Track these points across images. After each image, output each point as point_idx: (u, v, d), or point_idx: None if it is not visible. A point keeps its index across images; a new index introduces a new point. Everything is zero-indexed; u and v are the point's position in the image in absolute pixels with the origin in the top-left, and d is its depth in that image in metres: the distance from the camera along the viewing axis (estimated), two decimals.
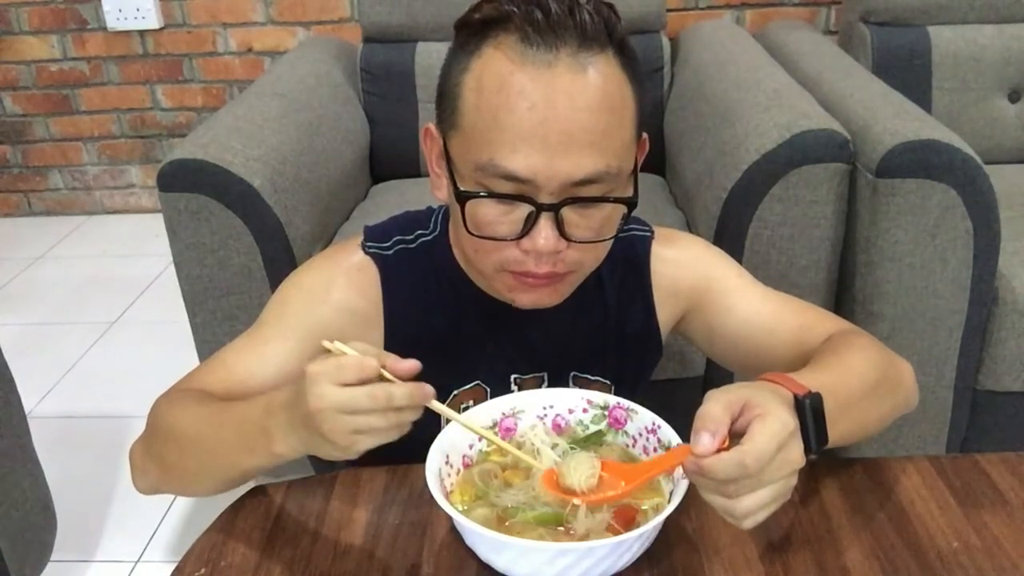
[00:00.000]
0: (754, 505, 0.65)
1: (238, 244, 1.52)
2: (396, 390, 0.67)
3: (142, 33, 2.85)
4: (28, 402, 1.44)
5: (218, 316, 1.58)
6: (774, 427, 0.64)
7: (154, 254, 2.79)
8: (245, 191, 1.50)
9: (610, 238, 0.83)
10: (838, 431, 0.72)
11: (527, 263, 0.80)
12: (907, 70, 2.04)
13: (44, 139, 3.08)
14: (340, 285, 0.91)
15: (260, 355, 0.89)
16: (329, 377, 0.67)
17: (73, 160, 3.11)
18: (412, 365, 0.69)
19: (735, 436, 0.65)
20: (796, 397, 0.69)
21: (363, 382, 0.67)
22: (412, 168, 2.11)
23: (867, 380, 0.82)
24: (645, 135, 0.85)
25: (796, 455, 0.66)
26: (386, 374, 0.68)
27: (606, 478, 0.74)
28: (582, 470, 0.74)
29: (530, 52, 0.75)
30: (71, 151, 3.09)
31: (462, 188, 0.79)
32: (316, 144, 1.79)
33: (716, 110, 1.71)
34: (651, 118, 2.00)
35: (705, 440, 0.64)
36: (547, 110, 0.74)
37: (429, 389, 0.69)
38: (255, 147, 1.57)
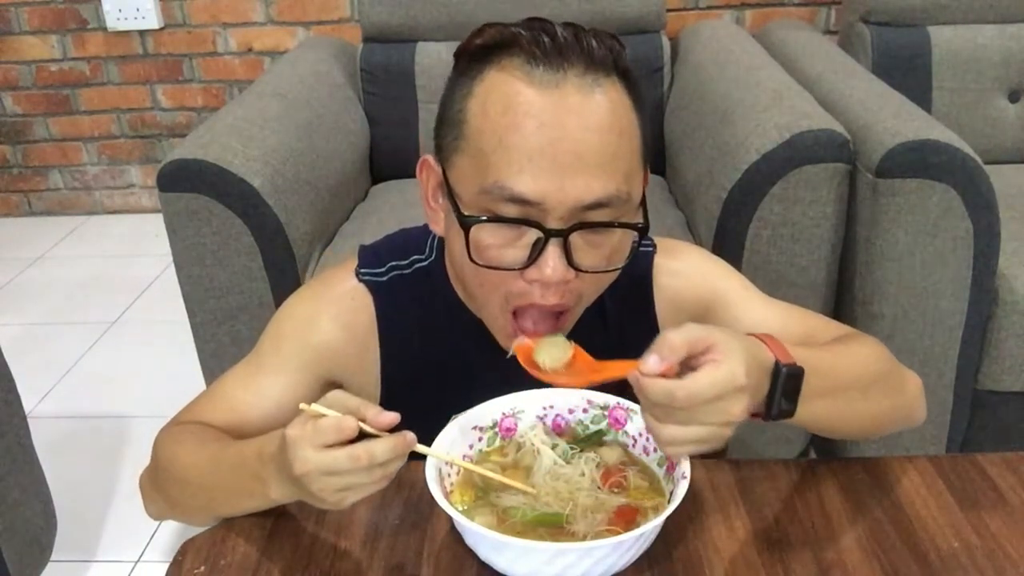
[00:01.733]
0: (677, 436, 0.66)
1: (238, 244, 1.52)
2: (377, 448, 0.67)
3: (142, 33, 2.85)
4: (28, 402, 1.44)
5: (218, 316, 1.58)
6: (720, 376, 0.64)
7: (154, 254, 2.80)
8: (245, 191, 1.50)
9: (617, 269, 0.80)
10: (814, 410, 0.72)
11: (532, 295, 0.77)
12: (907, 70, 2.04)
13: (44, 139, 3.08)
14: (333, 315, 0.90)
15: (257, 389, 0.89)
16: (309, 441, 0.67)
17: (73, 160, 3.11)
18: (392, 418, 0.69)
19: (687, 367, 0.66)
20: (777, 363, 0.69)
21: (343, 442, 0.67)
22: (412, 168, 2.07)
23: (864, 373, 0.82)
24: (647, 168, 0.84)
25: (736, 409, 0.65)
26: (367, 428, 0.68)
27: (578, 367, 0.76)
28: (554, 352, 0.75)
29: (537, 72, 0.73)
30: (71, 151, 3.09)
31: (466, 213, 0.77)
32: (316, 144, 1.79)
33: (716, 110, 1.71)
34: (651, 118, 2.00)
35: (650, 361, 0.65)
36: (556, 129, 0.72)
37: (411, 437, 0.69)
38: (255, 147, 1.57)
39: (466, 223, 0.76)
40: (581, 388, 0.80)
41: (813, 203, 1.46)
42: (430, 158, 0.84)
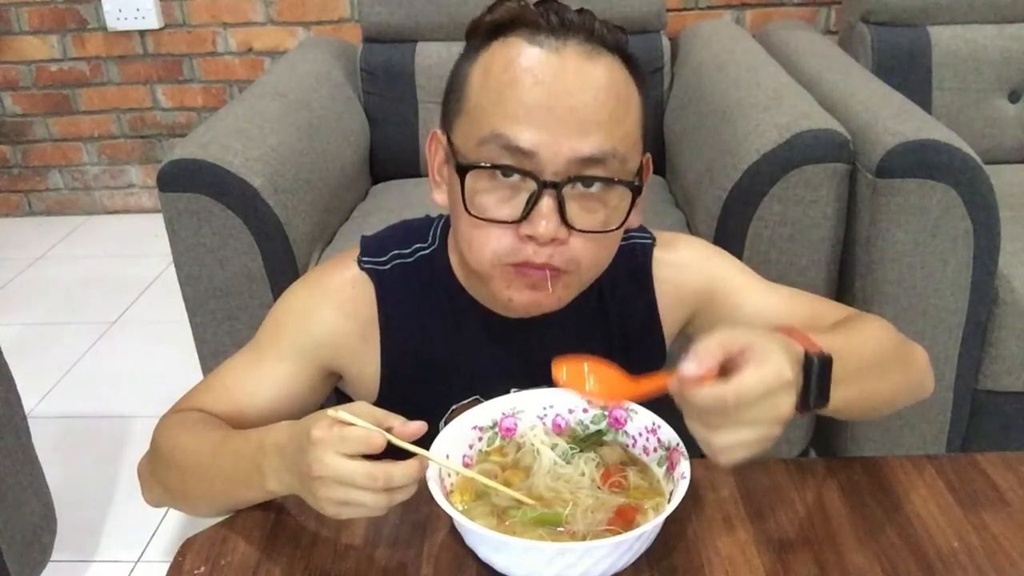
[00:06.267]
0: (732, 442, 0.65)
1: (238, 244, 1.52)
2: (396, 472, 0.67)
3: (142, 33, 2.85)
4: (28, 402, 1.44)
5: (218, 316, 1.58)
6: (766, 374, 0.64)
7: (154, 254, 2.79)
8: (245, 191, 1.50)
9: (610, 231, 0.80)
10: (841, 395, 0.72)
11: (525, 252, 0.77)
12: (907, 70, 2.04)
13: (44, 139, 3.08)
14: (333, 304, 0.90)
15: (256, 378, 0.89)
16: (333, 446, 0.67)
17: (73, 160, 3.11)
18: (418, 427, 0.69)
19: (728, 374, 0.65)
20: (807, 354, 0.68)
21: (366, 456, 0.68)
22: (412, 168, 2.11)
23: (878, 352, 0.82)
24: (648, 155, 0.83)
25: (785, 406, 0.65)
26: (392, 439, 0.68)
27: (614, 384, 0.76)
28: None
29: (539, 38, 0.76)
30: (71, 151, 3.09)
31: (464, 162, 0.77)
32: (316, 144, 1.79)
33: (716, 110, 1.71)
34: (651, 118, 2.00)
35: (690, 365, 0.65)
36: (554, 84, 0.75)
37: (427, 462, 0.70)
38: (255, 147, 1.57)
39: (462, 169, 0.77)
40: (619, 404, 0.80)
41: (813, 203, 1.46)
42: (438, 131, 0.85)
